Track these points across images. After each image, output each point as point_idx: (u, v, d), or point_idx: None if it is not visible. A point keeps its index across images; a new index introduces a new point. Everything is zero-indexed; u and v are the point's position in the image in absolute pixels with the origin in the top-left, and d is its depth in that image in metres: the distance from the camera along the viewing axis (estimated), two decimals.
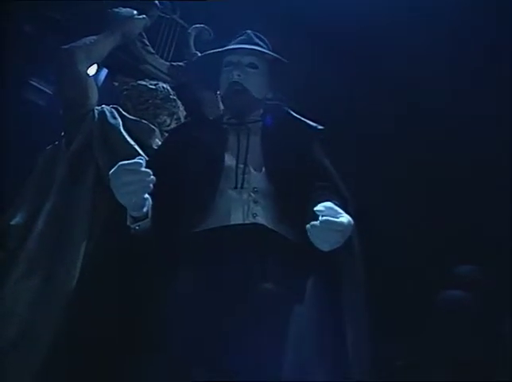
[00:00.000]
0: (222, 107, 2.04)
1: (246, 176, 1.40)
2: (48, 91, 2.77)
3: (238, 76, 1.50)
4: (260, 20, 2.57)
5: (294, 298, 1.25)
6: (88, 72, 2.02)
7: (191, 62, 1.57)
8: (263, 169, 1.43)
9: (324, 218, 1.17)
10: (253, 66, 1.53)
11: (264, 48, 1.57)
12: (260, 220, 1.33)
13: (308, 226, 1.18)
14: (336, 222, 1.18)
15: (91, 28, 2.15)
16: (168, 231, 1.30)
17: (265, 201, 1.37)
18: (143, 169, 1.18)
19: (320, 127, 1.55)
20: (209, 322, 1.17)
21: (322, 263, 1.30)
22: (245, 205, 1.35)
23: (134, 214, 1.27)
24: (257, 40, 1.58)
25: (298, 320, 1.20)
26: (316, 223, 1.17)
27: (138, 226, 1.28)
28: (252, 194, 1.37)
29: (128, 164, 1.19)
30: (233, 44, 1.55)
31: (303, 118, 1.58)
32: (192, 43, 2.32)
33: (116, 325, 1.23)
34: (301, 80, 1.62)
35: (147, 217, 1.28)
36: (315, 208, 1.19)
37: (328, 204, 1.21)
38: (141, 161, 1.19)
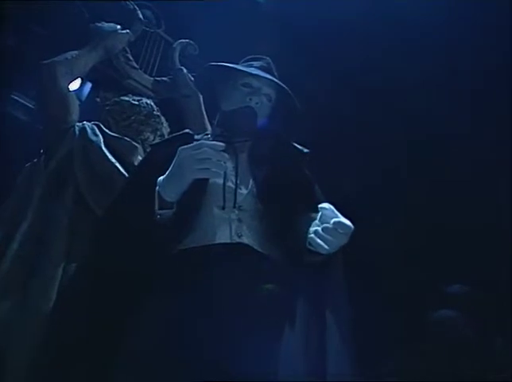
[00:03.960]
0: (208, 124, 2.07)
1: (233, 195, 1.38)
2: (30, 105, 2.74)
3: (257, 103, 1.48)
4: (247, 35, 2.58)
5: (282, 318, 1.24)
6: (70, 87, 1.99)
7: (208, 65, 1.55)
8: (250, 187, 1.42)
9: (337, 220, 1.18)
10: (269, 99, 1.53)
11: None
12: (245, 240, 1.32)
13: (317, 228, 1.20)
14: (348, 225, 1.19)
15: (74, 42, 2.12)
16: (152, 246, 1.28)
17: (250, 221, 1.36)
18: (223, 153, 1.22)
19: (305, 151, 1.55)
20: (194, 344, 1.16)
21: (308, 282, 1.30)
22: (231, 224, 1.34)
23: (170, 198, 1.28)
24: (274, 72, 1.57)
25: (288, 341, 1.20)
26: (329, 225, 1.18)
27: (160, 215, 1.27)
28: (238, 213, 1.37)
29: (212, 143, 1.24)
30: (254, 68, 1.53)
31: (290, 141, 1.58)
32: (176, 58, 2.30)
33: (100, 349, 1.23)
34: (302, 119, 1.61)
35: (173, 208, 1.28)
36: (319, 205, 1.22)
37: (329, 205, 1.23)
38: (223, 144, 1.23)
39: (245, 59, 1.61)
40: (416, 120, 3.03)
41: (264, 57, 1.61)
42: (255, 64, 1.56)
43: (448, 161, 3.02)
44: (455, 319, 2.29)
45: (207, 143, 1.24)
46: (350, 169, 2.98)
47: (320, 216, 1.22)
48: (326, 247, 1.19)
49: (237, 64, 1.58)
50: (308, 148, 1.56)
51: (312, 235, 1.21)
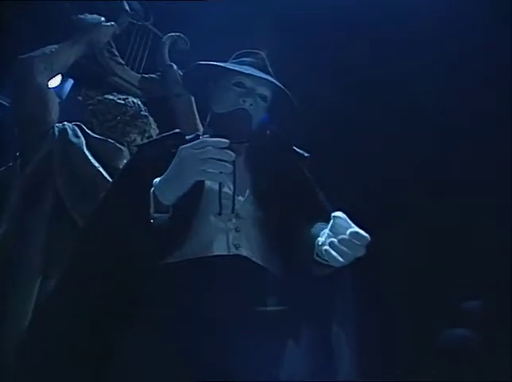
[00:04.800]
0: (200, 124, 1.97)
1: (230, 201, 1.32)
2: (6, 103, 2.63)
3: (251, 105, 1.41)
4: (243, 29, 2.47)
5: (285, 334, 1.23)
6: (49, 84, 1.92)
7: (195, 65, 1.46)
8: (247, 194, 1.36)
9: (353, 230, 1.10)
10: (264, 98, 1.45)
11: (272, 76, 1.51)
12: (243, 251, 1.26)
13: (332, 239, 1.12)
14: (365, 236, 1.10)
15: (56, 36, 2.04)
16: (146, 253, 1.24)
17: (249, 229, 1.31)
18: (229, 151, 1.14)
19: (306, 155, 1.50)
20: (187, 361, 1.13)
21: (313, 295, 1.26)
22: (228, 234, 1.29)
23: (168, 200, 1.20)
24: (269, 69, 1.50)
25: (292, 355, 1.20)
26: (345, 236, 1.10)
27: (154, 219, 1.20)
28: (235, 221, 1.31)
29: (215, 141, 1.15)
30: (246, 66, 1.46)
31: (289, 144, 1.53)
32: (166, 53, 2.23)
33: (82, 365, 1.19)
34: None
35: (169, 211, 1.22)
36: (333, 214, 1.14)
37: (342, 214, 1.15)
38: (227, 141, 1.15)
39: (236, 54, 1.53)
40: (417, 120, 3.02)
41: (257, 52, 1.53)
42: (247, 60, 1.48)
43: (449, 161, 3.00)
44: (469, 339, 2.26)
45: (210, 141, 1.15)
46: (349, 170, 2.95)
47: (332, 226, 1.14)
48: (341, 259, 1.11)
49: (228, 59, 1.50)
50: (306, 148, 1.49)
51: (327, 247, 1.12)
